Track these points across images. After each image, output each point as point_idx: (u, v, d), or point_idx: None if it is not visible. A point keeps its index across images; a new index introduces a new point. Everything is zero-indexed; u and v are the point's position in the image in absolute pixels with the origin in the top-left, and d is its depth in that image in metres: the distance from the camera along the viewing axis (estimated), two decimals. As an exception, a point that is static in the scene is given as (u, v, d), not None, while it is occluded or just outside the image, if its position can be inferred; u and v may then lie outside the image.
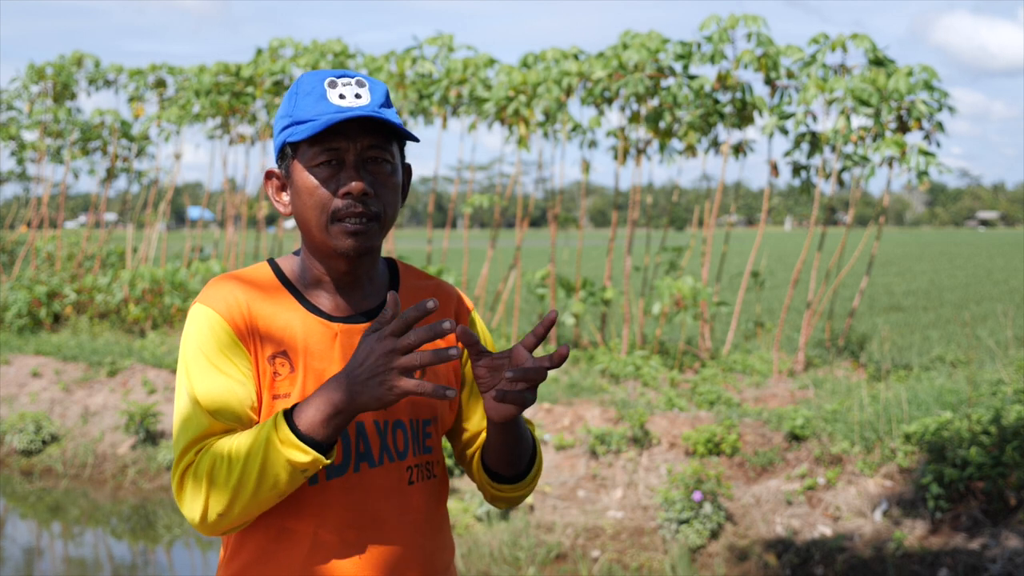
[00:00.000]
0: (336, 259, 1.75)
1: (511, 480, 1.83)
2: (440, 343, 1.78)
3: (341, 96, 1.70)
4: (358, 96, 1.71)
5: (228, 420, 1.66)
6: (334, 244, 1.71)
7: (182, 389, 1.69)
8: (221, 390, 1.67)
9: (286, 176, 1.76)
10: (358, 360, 1.55)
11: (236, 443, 1.61)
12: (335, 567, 1.71)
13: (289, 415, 1.59)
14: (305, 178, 1.71)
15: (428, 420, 1.80)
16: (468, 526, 6.55)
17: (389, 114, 1.72)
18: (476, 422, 1.88)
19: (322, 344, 1.73)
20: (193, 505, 1.63)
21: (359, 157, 1.71)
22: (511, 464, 1.80)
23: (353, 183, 1.69)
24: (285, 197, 1.78)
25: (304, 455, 1.57)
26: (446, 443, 5.03)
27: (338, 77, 1.72)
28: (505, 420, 1.69)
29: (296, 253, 1.82)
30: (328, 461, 1.59)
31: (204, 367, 1.68)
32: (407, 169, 1.84)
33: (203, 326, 1.70)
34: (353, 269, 1.77)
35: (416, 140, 1.76)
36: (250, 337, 1.71)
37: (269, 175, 1.79)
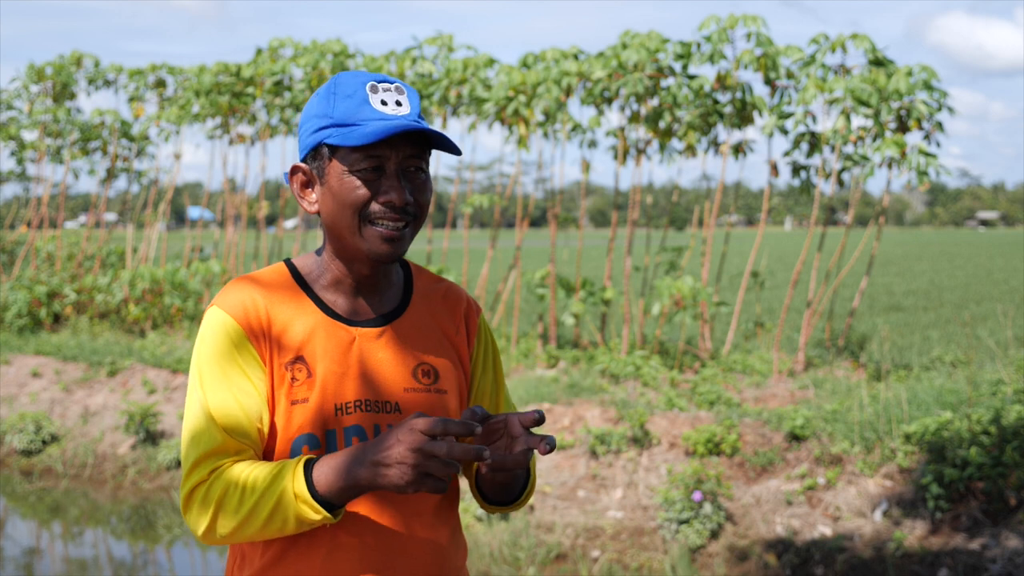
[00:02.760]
0: (362, 263, 1.75)
1: (504, 504, 1.87)
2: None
3: (383, 103, 1.71)
4: (399, 103, 1.72)
5: (238, 436, 1.67)
6: (367, 248, 1.72)
7: (195, 398, 1.69)
8: (233, 404, 1.67)
9: (317, 175, 1.75)
10: (387, 443, 1.57)
11: (251, 479, 1.62)
12: (354, 568, 1.72)
13: (309, 471, 1.61)
14: (344, 180, 1.71)
15: None
16: (468, 526, 6.55)
17: (424, 123, 1.74)
18: None
19: (340, 349, 1.74)
20: (199, 522, 1.66)
21: (400, 165, 1.71)
22: (504, 495, 1.85)
23: (395, 194, 1.70)
24: (312, 195, 1.77)
25: (315, 514, 1.60)
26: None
27: (379, 82, 1.73)
28: (505, 471, 1.75)
29: (318, 253, 1.82)
30: (336, 520, 1.63)
31: (217, 377, 1.68)
32: None
33: (219, 331, 1.70)
34: (375, 273, 1.77)
35: (459, 152, 1.76)
36: (266, 342, 1.71)
37: (295, 170, 1.78)
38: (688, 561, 6.14)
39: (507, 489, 1.82)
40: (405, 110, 1.72)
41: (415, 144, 1.71)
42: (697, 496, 6.21)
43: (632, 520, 6.49)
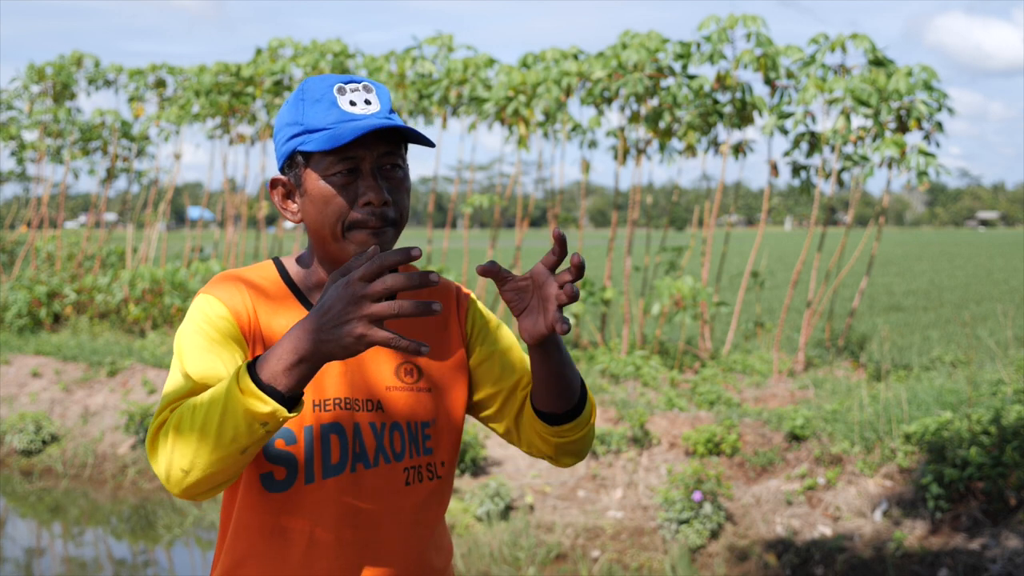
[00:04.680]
0: None
1: (568, 417, 1.77)
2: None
3: (352, 103, 1.70)
4: (368, 102, 1.71)
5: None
6: (353, 250, 1.71)
7: (174, 368, 1.67)
8: (211, 365, 1.64)
9: (295, 184, 1.75)
10: (324, 306, 1.44)
11: (203, 395, 1.55)
12: (331, 566, 1.71)
13: (252, 365, 1.51)
14: (321, 187, 1.70)
15: (427, 422, 1.80)
16: (468, 526, 6.54)
17: (395, 119, 1.72)
18: (492, 384, 1.85)
19: None
20: (160, 460, 1.57)
21: (375, 165, 1.70)
22: (563, 394, 1.74)
23: (373, 194, 1.68)
24: (293, 205, 1.76)
25: (264, 405, 1.48)
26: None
27: (345, 83, 1.72)
28: (542, 337, 1.64)
29: (299, 257, 1.82)
30: (290, 415, 1.51)
31: (199, 346, 1.66)
32: None
33: (207, 312, 1.69)
34: None
35: (432, 145, 1.75)
36: (251, 333, 1.71)
37: (275, 183, 1.78)
38: (688, 561, 6.14)
39: (565, 384, 1.73)
40: (374, 108, 1.71)
41: (388, 141, 1.70)
42: (697, 496, 6.21)
43: (632, 520, 6.49)
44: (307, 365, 1.48)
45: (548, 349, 1.69)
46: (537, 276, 1.62)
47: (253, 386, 1.48)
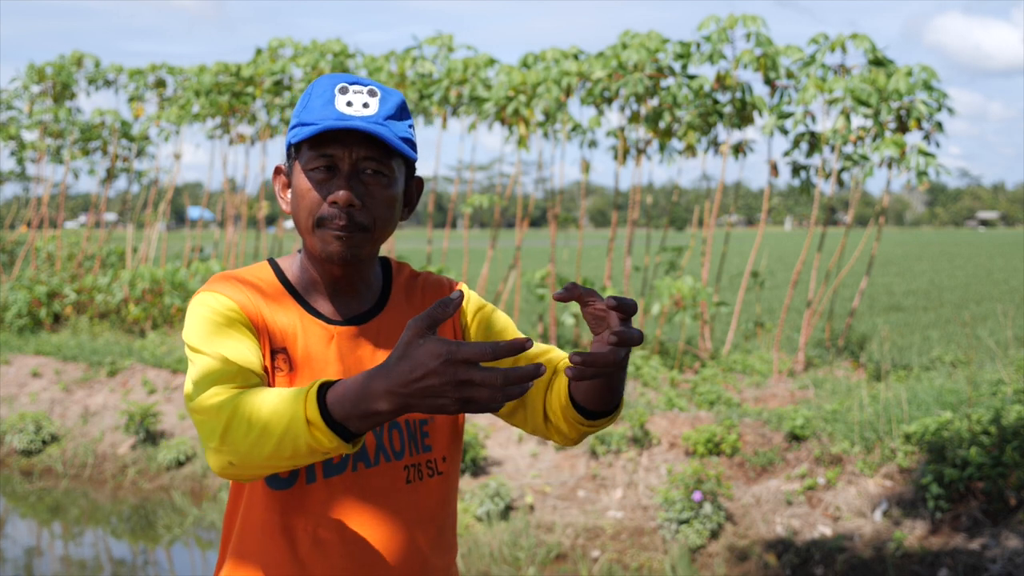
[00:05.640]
0: (328, 262, 1.76)
1: (607, 413, 1.76)
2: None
3: (349, 103, 1.70)
4: (366, 105, 1.71)
5: (251, 370, 1.62)
6: (320, 248, 1.72)
7: (195, 358, 1.64)
8: (240, 348, 1.64)
9: (288, 176, 1.79)
10: (417, 372, 1.39)
11: (260, 403, 1.52)
12: (335, 564, 1.72)
13: (323, 396, 1.49)
14: (301, 180, 1.73)
15: (424, 420, 1.80)
16: (468, 526, 6.55)
17: (392, 126, 1.71)
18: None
19: (320, 346, 1.74)
20: (207, 439, 1.57)
21: (354, 167, 1.71)
22: (612, 400, 1.73)
23: (340, 192, 1.69)
24: (288, 194, 1.80)
25: (330, 441, 1.48)
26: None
27: (351, 84, 1.73)
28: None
29: (299, 252, 1.84)
30: (354, 450, 1.51)
31: (217, 333, 1.66)
32: (417, 183, 1.83)
33: (214, 305, 1.69)
34: (346, 273, 1.78)
35: (413, 158, 1.75)
36: (260, 326, 1.72)
37: (278, 171, 1.82)
38: (688, 561, 6.14)
39: (612, 399, 1.72)
40: (371, 111, 1.71)
41: (373, 146, 1.70)
42: (697, 496, 6.21)
43: (632, 520, 6.49)
44: (386, 417, 1.46)
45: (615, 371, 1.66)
46: (611, 320, 1.59)
47: (322, 422, 1.47)
